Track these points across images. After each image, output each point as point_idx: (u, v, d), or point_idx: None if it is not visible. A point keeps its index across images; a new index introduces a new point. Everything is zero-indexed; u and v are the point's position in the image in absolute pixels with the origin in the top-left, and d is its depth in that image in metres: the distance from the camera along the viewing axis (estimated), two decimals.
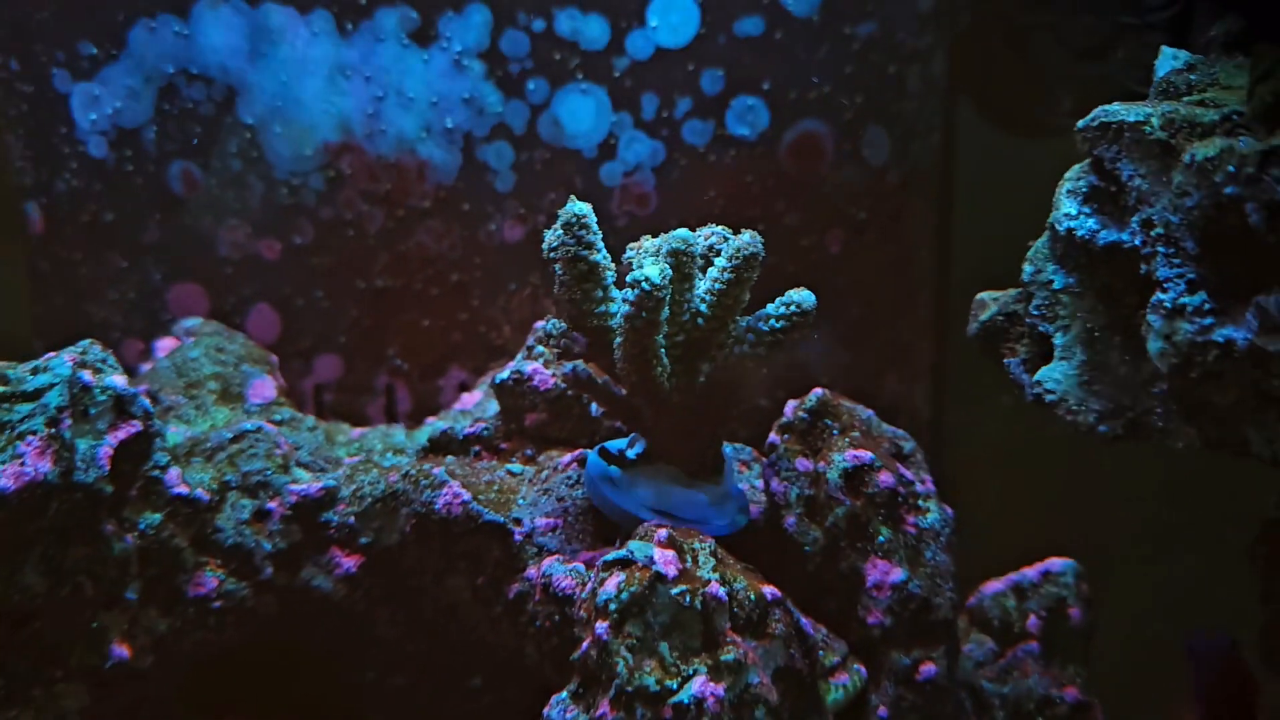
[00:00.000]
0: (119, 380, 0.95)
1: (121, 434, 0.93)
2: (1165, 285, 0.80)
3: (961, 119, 1.69)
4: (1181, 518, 1.73)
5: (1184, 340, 0.79)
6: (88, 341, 0.97)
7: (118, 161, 1.36)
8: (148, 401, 0.97)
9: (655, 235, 0.97)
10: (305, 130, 1.34)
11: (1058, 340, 0.91)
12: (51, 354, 0.94)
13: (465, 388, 1.39)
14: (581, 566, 0.96)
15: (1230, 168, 0.74)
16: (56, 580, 0.89)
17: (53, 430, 0.87)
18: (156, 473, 0.98)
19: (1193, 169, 0.76)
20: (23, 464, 0.86)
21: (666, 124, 1.35)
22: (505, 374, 1.13)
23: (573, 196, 0.94)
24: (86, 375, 0.93)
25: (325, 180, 1.35)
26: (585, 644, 0.85)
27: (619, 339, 0.92)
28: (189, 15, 1.32)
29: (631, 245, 0.99)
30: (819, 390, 1.05)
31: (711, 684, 0.81)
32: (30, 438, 0.87)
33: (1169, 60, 0.94)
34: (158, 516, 0.98)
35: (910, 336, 1.58)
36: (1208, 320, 0.78)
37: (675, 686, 0.81)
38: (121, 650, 0.93)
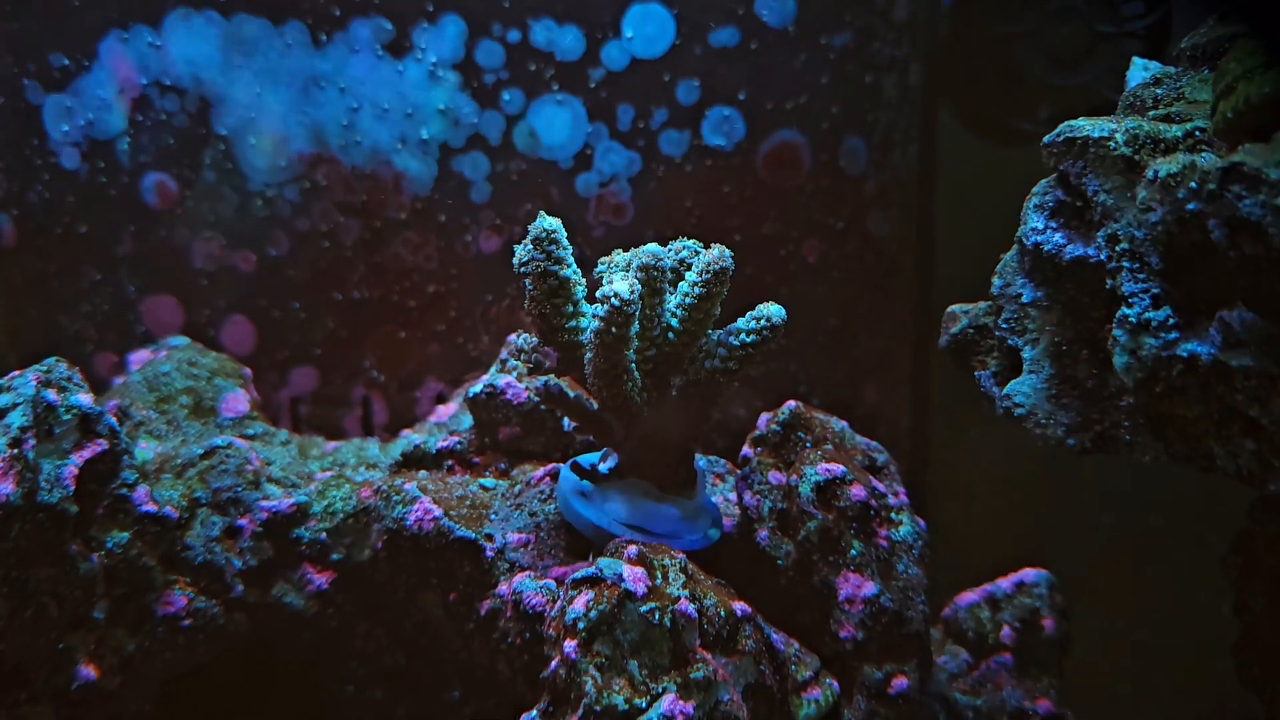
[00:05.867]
0: (84, 398, 0.94)
1: (87, 453, 0.93)
2: (1131, 300, 0.80)
3: (943, 127, 1.69)
4: (1162, 523, 1.74)
5: (1149, 355, 0.79)
6: (53, 359, 0.96)
7: (90, 173, 1.36)
8: (114, 420, 0.96)
9: (632, 246, 0.97)
10: (280, 142, 1.33)
11: (1026, 354, 0.91)
12: (15, 373, 0.93)
13: (442, 399, 1.39)
14: (552, 583, 0.95)
15: (1192, 184, 0.74)
16: (20, 601, 0.88)
17: (15, 451, 0.86)
18: (124, 491, 0.97)
19: (1156, 185, 0.76)
20: None
21: (642, 134, 1.35)
22: (478, 388, 1.13)
23: (543, 211, 0.94)
24: (51, 394, 0.92)
25: (300, 192, 1.34)
26: (554, 663, 0.84)
27: (589, 354, 0.92)
28: (161, 26, 1.31)
29: (602, 259, 0.99)
30: (792, 403, 1.05)
31: (681, 702, 0.81)
32: None
33: (1140, 71, 0.94)
34: (125, 535, 0.97)
35: (889, 345, 1.58)
36: (1172, 335, 0.78)
37: (644, 705, 0.81)
38: (88, 671, 0.92)
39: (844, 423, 1.08)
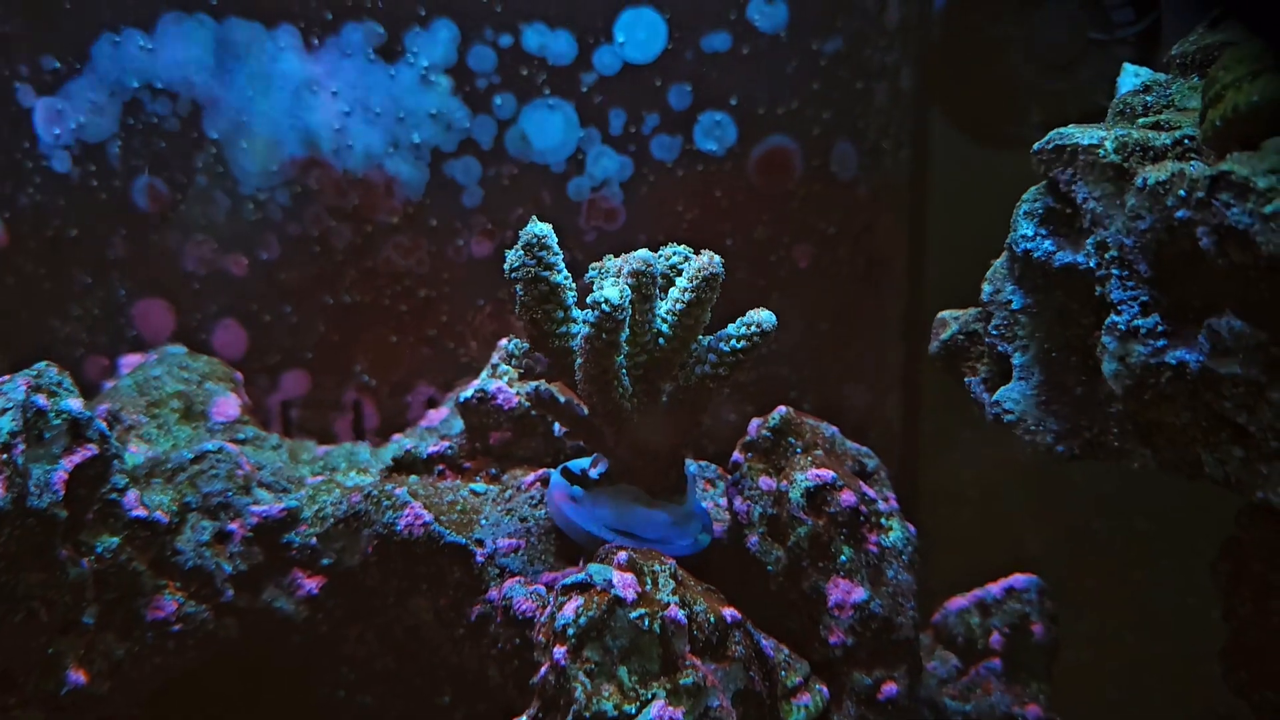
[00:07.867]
0: (74, 403, 0.94)
1: (77, 458, 0.92)
2: (1119, 307, 0.80)
3: (935, 132, 1.70)
4: (1151, 529, 1.74)
5: (1138, 362, 0.79)
6: (43, 364, 0.96)
7: (82, 176, 1.35)
8: (104, 424, 0.96)
9: (624, 251, 0.97)
10: (271, 145, 1.33)
11: (1016, 360, 0.91)
12: (5, 377, 0.93)
13: (433, 403, 1.39)
14: (543, 589, 0.95)
15: (1181, 192, 0.74)
16: (9, 606, 0.87)
17: (4, 456, 0.86)
18: (114, 496, 0.97)
19: (1145, 193, 0.77)
20: None
21: (634, 139, 1.35)
22: (469, 392, 1.13)
23: (534, 217, 0.94)
24: (41, 399, 0.92)
25: (292, 196, 1.34)
26: (544, 669, 0.84)
27: (580, 359, 0.92)
28: (153, 29, 1.31)
29: (593, 265, 0.99)
30: (782, 408, 1.05)
31: (670, 708, 0.81)
32: None
33: (1130, 78, 0.94)
34: (115, 540, 0.97)
35: (880, 351, 1.58)
36: (1161, 342, 0.78)
37: (634, 711, 0.81)
38: (78, 676, 0.92)
39: (834, 428, 1.08)
